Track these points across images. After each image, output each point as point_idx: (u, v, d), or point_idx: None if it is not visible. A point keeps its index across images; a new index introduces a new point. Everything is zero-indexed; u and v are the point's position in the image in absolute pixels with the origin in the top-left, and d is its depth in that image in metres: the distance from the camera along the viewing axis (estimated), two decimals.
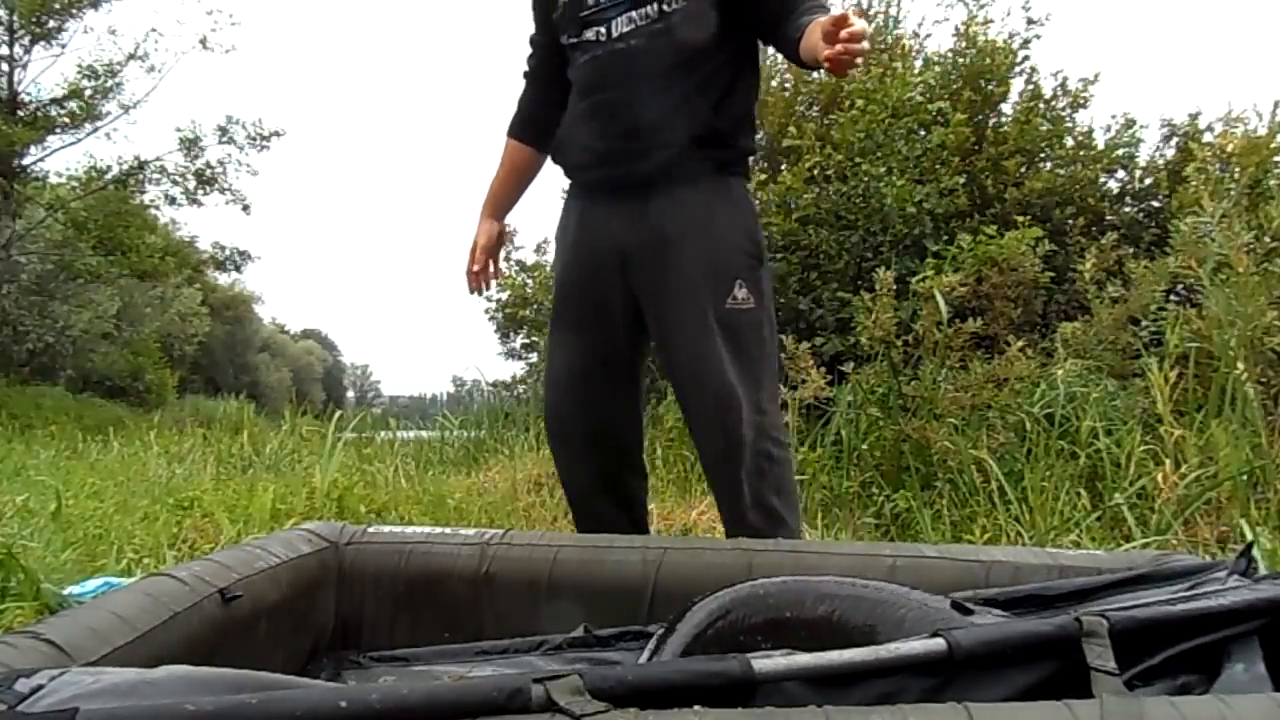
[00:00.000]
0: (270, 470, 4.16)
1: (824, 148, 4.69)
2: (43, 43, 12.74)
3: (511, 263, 6.49)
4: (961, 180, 4.41)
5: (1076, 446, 2.77)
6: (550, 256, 6.54)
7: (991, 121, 5.14)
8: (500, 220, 1.93)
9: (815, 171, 4.68)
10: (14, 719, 0.58)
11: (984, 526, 2.55)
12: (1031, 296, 3.90)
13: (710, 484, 1.74)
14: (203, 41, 12.90)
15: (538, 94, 1.87)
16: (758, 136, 1.83)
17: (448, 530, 1.43)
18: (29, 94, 12.84)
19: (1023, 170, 4.80)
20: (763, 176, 4.62)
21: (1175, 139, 4.98)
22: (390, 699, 0.61)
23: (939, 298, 3.26)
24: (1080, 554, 1.25)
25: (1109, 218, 4.77)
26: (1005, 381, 3.14)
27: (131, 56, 12.90)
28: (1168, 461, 2.50)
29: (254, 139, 13.49)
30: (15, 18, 12.36)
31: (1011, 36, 5.23)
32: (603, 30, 1.65)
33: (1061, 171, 4.78)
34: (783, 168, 5.07)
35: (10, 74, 12.67)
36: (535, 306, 6.37)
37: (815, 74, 5.78)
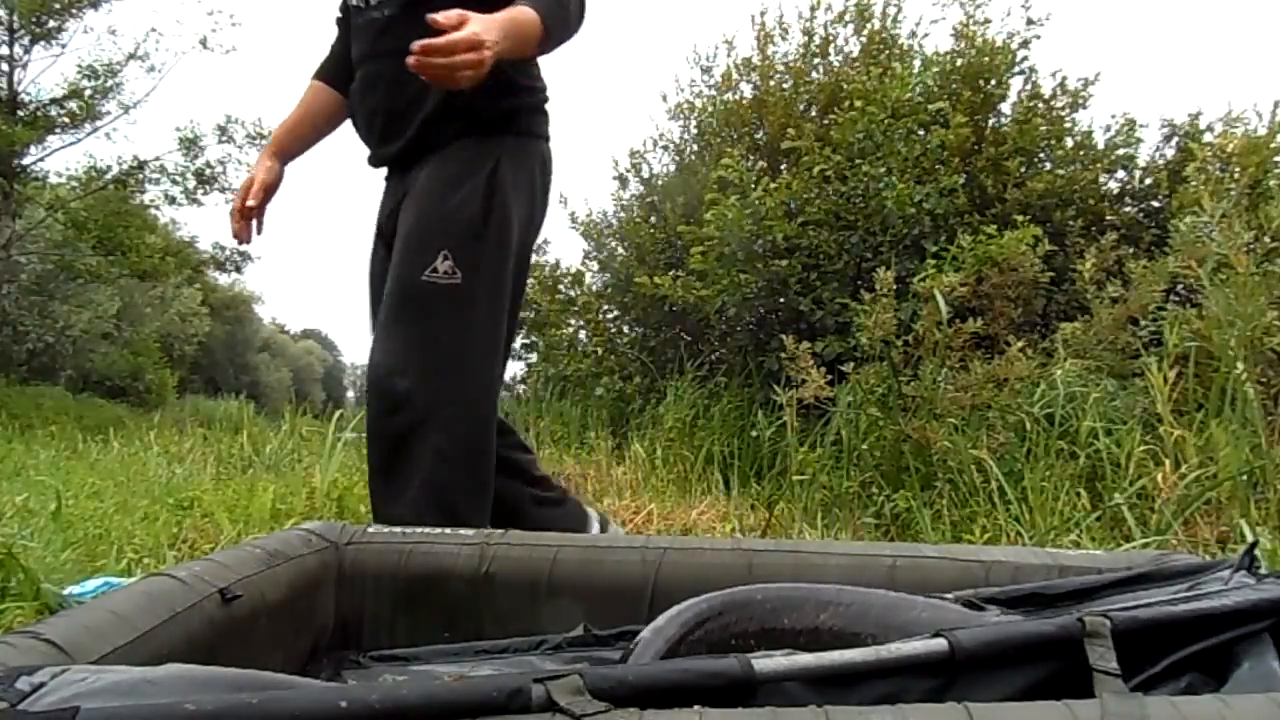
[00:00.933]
0: (270, 470, 4.16)
1: (824, 148, 4.70)
2: (43, 43, 12.73)
3: None
4: (961, 180, 4.42)
5: (1076, 446, 2.77)
6: (549, 257, 6.55)
7: (991, 122, 5.14)
8: (283, 163, 1.77)
9: (815, 172, 4.68)
10: (15, 717, 0.58)
11: (984, 526, 2.55)
12: (1031, 296, 3.91)
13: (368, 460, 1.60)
14: (203, 41, 12.91)
15: (344, 41, 1.75)
16: (543, 87, 1.68)
17: (447, 530, 1.43)
18: (29, 94, 12.85)
19: (1023, 171, 4.80)
20: (769, 182, 4.62)
21: (1175, 139, 4.99)
22: (390, 699, 0.61)
23: (939, 298, 3.26)
24: (1080, 554, 1.25)
25: (1109, 218, 4.77)
26: (1005, 381, 3.14)
27: (131, 56, 12.91)
28: (1167, 461, 2.50)
29: (254, 138, 13.48)
30: (15, 18, 12.36)
31: (1011, 36, 5.24)
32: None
33: (1061, 172, 4.78)
34: (783, 169, 5.08)
35: (10, 74, 12.67)
36: (535, 309, 6.37)
37: (815, 74, 5.79)
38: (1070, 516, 2.49)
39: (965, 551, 1.30)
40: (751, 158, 5.40)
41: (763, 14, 5.94)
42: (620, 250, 6.24)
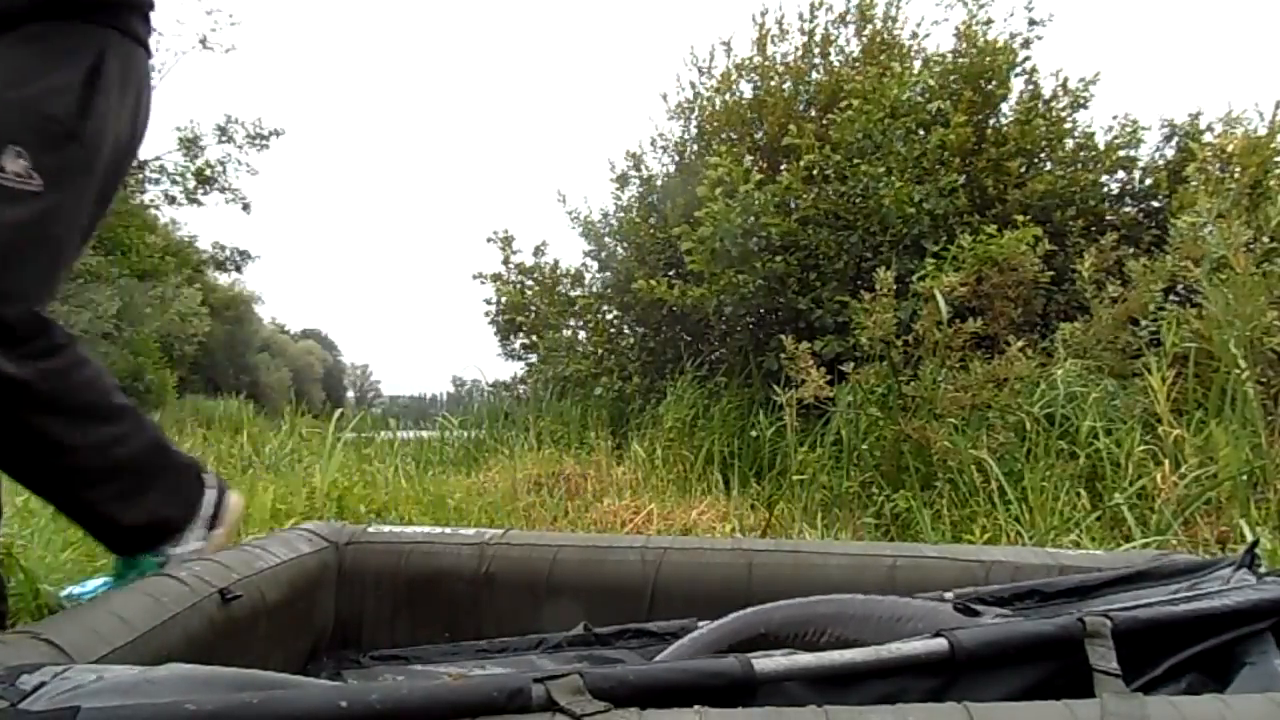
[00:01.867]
0: (270, 470, 4.16)
1: (823, 147, 4.70)
2: None
3: (510, 265, 6.49)
4: (961, 180, 4.42)
5: (1076, 446, 2.77)
6: (548, 258, 6.54)
7: (992, 122, 5.14)
8: None
9: (814, 171, 4.68)
10: (15, 717, 0.58)
11: (984, 526, 2.55)
12: (1031, 296, 3.91)
13: None
14: (203, 41, 12.92)
15: None
16: None
17: (447, 530, 1.43)
18: None
19: (1024, 171, 4.80)
20: (759, 177, 4.61)
21: (1175, 139, 4.99)
22: (390, 699, 0.61)
23: (939, 298, 3.26)
24: (1080, 554, 1.26)
25: (1109, 218, 4.77)
26: (1005, 381, 3.14)
27: None
28: (1166, 462, 2.50)
29: (253, 138, 13.50)
30: None
31: (1013, 37, 5.24)
32: None
33: (1061, 173, 4.78)
34: (783, 167, 5.07)
35: None
36: (534, 310, 6.37)
37: (815, 74, 5.79)
38: (1070, 516, 2.49)
39: (965, 551, 1.30)
40: (751, 157, 5.40)
41: (763, 14, 5.95)
42: (620, 250, 6.24)
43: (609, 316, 6.26)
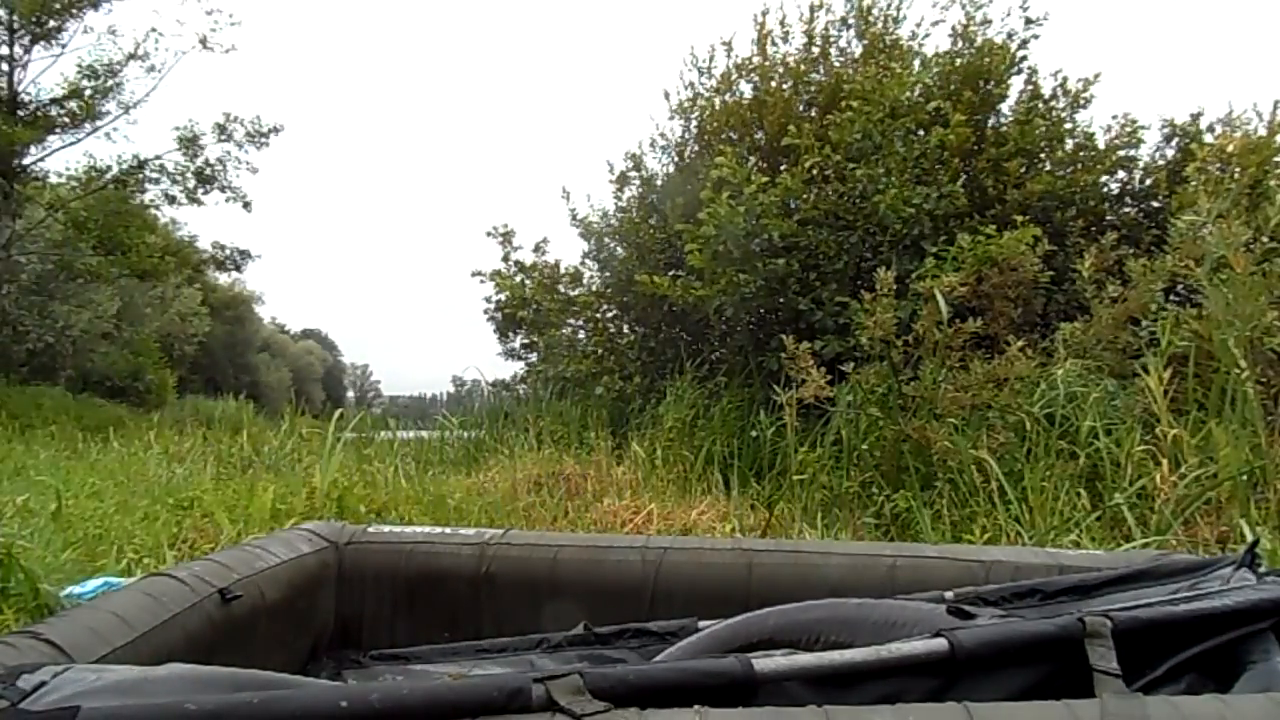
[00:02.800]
0: (270, 470, 4.16)
1: (822, 148, 4.70)
2: (43, 43, 12.72)
3: (510, 263, 6.48)
4: (961, 181, 4.42)
5: (1076, 446, 2.77)
6: (549, 256, 6.54)
7: (991, 122, 5.14)
8: None
9: (815, 172, 4.68)
10: (16, 716, 0.58)
11: (984, 526, 2.55)
12: (1031, 296, 3.90)
13: None
14: (203, 41, 12.88)
15: None
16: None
17: (448, 530, 1.43)
18: (29, 94, 12.84)
19: (1023, 171, 4.80)
20: (764, 179, 4.61)
21: (1176, 139, 4.98)
22: (390, 699, 0.61)
23: (939, 297, 3.26)
24: (1080, 554, 1.26)
25: (1109, 218, 4.77)
26: (1005, 381, 3.14)
27: (131, 56, 12.89)
28: (1166, 461, 2.50)
29: (253, 136, 13.47)
30: (15, 17, 12.36)
31: (1010, 36, 5.23)
32: None
33: (1061, 173, 4.78)
34: (782, 168, 5.07)
35: (10, 74, 12.67)
36: (534, 307, 6.36)
37: (815, 74, 5.79)
38: (1070, 516, 2.49)
39: (965, 551, 1.30)
40: (752, 158, 5.39)
41: (764, 14, 5.95)
42: (620, 250, 6.24)
43: (609, 316, 6.25)
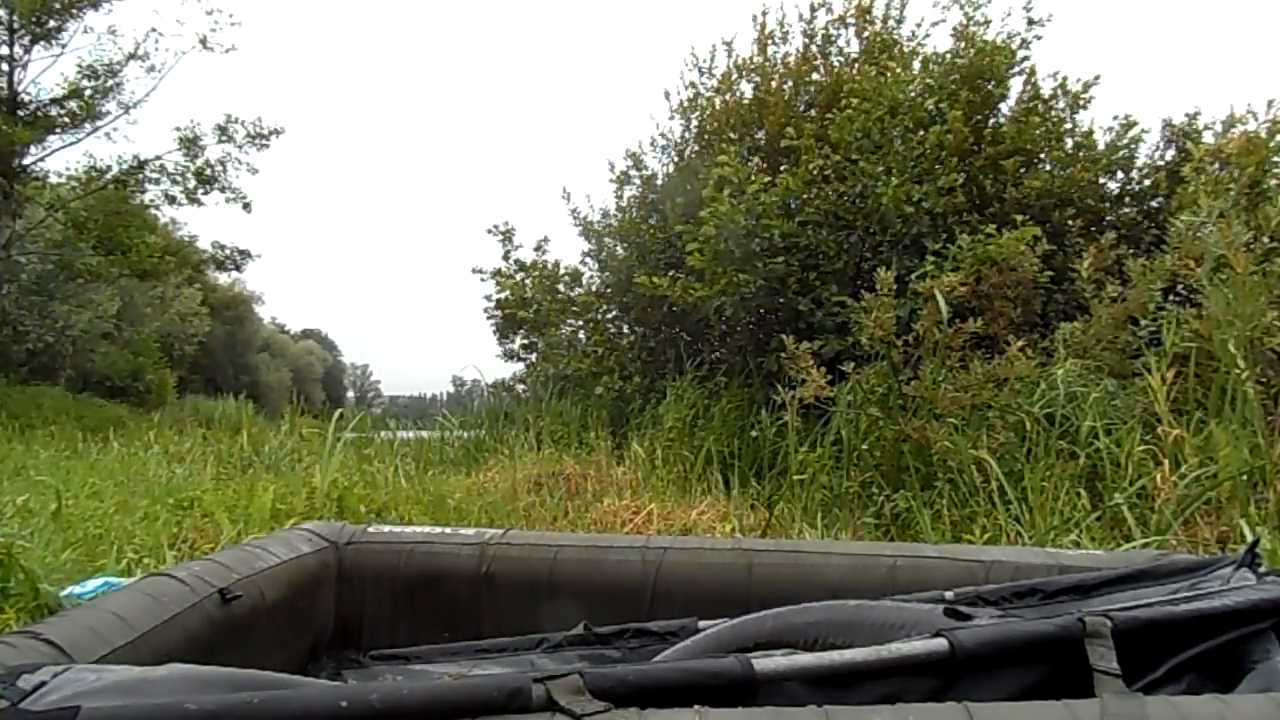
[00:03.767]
0: (270, 470, 4.16)
1: (822, 148, 4.69)
2: (43, 43, 12.72)
3: (510, 262, 6.48)
4: (960, 179, 4.41)
5: (1076, 446, 2.77)
6: (549, 256, 6.54)
7: (990, 121, 5.14)
8: None
9: (815, 172, 4.68)
10: (16, 716, 0.58)
11: (984, 526, 2.55)
12: (1031, 296, 3.90)
13: None
14: (203, 41, 12.87)
15: None
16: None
17: (448, 530, 1.43)
18: (29, 94, 12.84)
19: (1021, 170, 4.80)
20: (765, 179, 4.61)
21: (1175, 140, 4.98)
22: (390, 699, 0.61)
23: (939, 297, 3.26)
24: (1080, 554, 1.26)
25: (1108, 218, 4.77)
26: (1005, 381, 3.14)
27: (131, 56, 12.89)
28: (1166, 461, 2.50)
29: (253, 137, 13.47)
30: (15, 17, 12.36)
31: (1011, 37, 5.23)
32: None
33: (1061, 173, 4.77)
34: (783, 168, 5.07)
35: (10, 74, 12.67)
36: (535, 307, 6.36)
37: (815, 74, 5.79)
38: (1070, 516, 2.49)
39: (965, 551, 1.30)
40: (753, 158, 5.39)
41: (764, 14, 5.95)
42: (620, 250, 6.24)
43: (609, 316, 6.25)
